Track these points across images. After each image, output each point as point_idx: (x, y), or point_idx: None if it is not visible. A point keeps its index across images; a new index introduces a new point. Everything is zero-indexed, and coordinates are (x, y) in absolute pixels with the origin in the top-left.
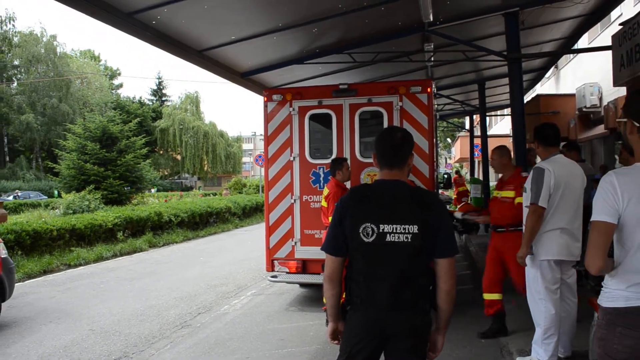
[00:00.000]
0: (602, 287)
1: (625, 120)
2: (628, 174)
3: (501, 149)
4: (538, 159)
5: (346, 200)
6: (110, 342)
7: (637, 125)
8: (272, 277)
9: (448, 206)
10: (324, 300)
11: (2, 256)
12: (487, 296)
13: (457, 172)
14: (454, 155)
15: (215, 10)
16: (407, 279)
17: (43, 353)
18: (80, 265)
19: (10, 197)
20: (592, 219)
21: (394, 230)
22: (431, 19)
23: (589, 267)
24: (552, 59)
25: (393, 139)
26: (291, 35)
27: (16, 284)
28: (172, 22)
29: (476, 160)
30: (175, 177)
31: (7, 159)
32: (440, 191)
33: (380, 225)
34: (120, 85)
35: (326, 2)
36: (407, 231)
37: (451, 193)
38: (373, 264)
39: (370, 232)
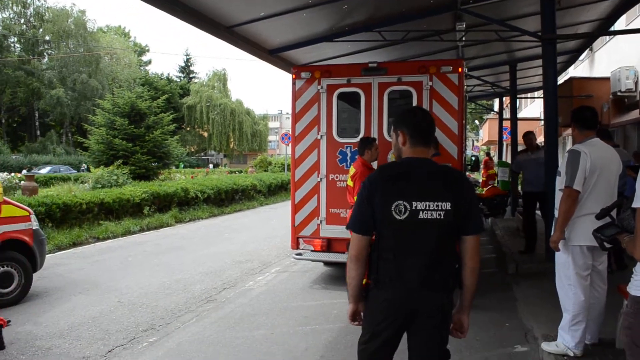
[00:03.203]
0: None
1: None
2: None
3: None
4: (569, 143)
5: (376, 178)
6: (138, 314)
7: None
8: (297, 254)
9: (475, 188)
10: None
11: (34, 228)
12: None
13: (488, 154)
14: (482, 137)
15: None
16: (438, 257)
17: (73, 323)
18: (109, 238)
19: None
20: (635, 205)
21: (427, 208)
22: None
23: (638, 258)
24: (587, 41)
25: (427, 117)
26: (321, 12)
27: (47, 256)
28: None
29: (504, 144)
30: (202, 154)
31: (38, 133)
32: (467, 173)
33: (413, 203)
34: (149, 62)
35: None
36: (440, 208)
37: (478, 175)
38: (405, 241)
39: (403, 210)
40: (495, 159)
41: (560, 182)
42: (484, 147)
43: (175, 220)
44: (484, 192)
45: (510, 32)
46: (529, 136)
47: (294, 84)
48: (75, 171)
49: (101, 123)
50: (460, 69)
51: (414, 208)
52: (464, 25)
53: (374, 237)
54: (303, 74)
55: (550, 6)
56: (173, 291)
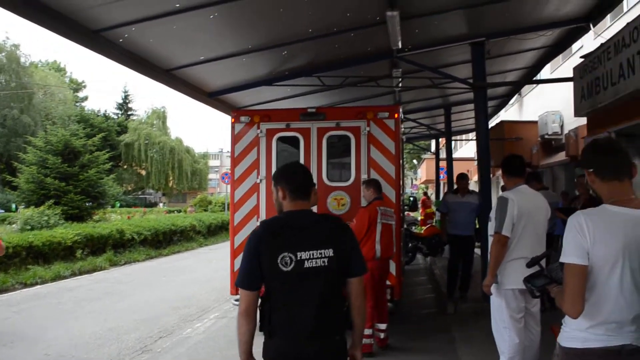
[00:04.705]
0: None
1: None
2: (595, 214)
3: None
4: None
5: (260, 233)
6: None
7: (594, 173)
8: (236, 300)
9: (414, 227)
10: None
11: None
12: None
13: (425, 193)
14: (420, 176)
15: (185, 30)
16: (326, 302)
17: None
18: (37, 284)
19: None
20: (562, 261)
21: (311, 257)
22: (400, 46)
23: (568, 314)
24: (516, 87)
25: (306, 173)
26: (260, 57)
27: None
28: (140, 40)
29: (441, 183)
30: (139, 193)
31: None
32: (406, 212)
33: (298, 253)
34: (85, 98)
35: (296, 26)
36: (323, 255)
37: (417, 214)
38: (293, 292)
39: (289, 261)
40: (433, 198)
41: (490, 228)
42: (422, 186)
43: (109, 264)
44: (422, 232)
45: (443, 79)
46: (464, 180)
47: (233, 127)
48: (3, 211)
49: (32, 161)
50: (396, 115)
51: (299, 258)
52: (400, 72)
53: (263, 290)
54: (242, 118)
55: (480, 56)
56: (105, 341)
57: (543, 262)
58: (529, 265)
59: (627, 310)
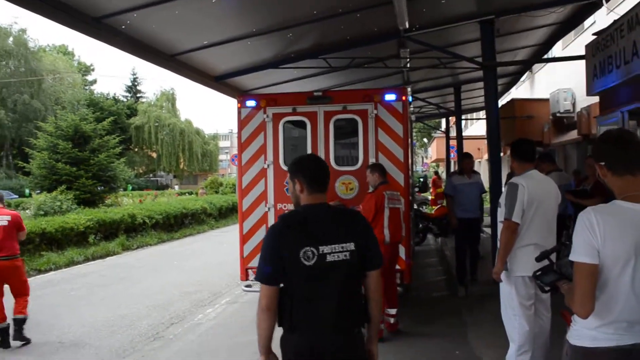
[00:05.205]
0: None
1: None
2: (606, 211)
3: None
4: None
5: (280, 227)
6: (80, 355)
7: (606, 167)
8: (247, 286)
9: (424, 207)
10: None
11: None
12: None
13: (436, 172)
14: (431, 155)
15: (187, 15)
16: (347, 296)
17: None
18: (51, 270)
19: None
20: (572, 259)
21: (333, 250)
22: (407, 26)
23: (578, 314)
24: (526, 65)
25: (324, 166)
26: (266, 40)
27: None
28: (143, 27)
29: (452, 161)
30: (151, 175)
31: None
32: (417, 192)
33: (320, 247)
34: (94, 82)
35: (301, 8)
36: (345, 249)
37: (427, 194)
38: (316, 286)
39: (311, 255)
40: (444, 176)
41: (500, 214)
42: (433, 165)
43: (122, 248)
44: (433, 212)
45: (452, 58)
46: (468, 159)
47: (239, 112)
48: (17, 196)
49: (43, 147)
50: (404, 97)
51: (321, 252)
52: (408, 52)
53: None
54: (248, 103)
55: (489, 34)
56: (118, 328)
57: (553, 256)
58: (539, 259)
59: (638, 309)
